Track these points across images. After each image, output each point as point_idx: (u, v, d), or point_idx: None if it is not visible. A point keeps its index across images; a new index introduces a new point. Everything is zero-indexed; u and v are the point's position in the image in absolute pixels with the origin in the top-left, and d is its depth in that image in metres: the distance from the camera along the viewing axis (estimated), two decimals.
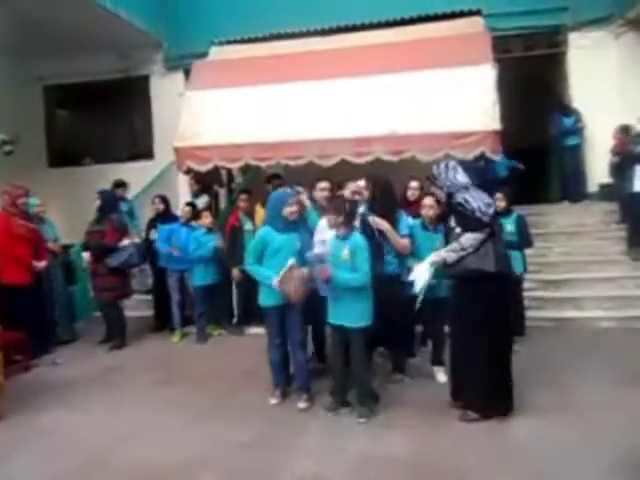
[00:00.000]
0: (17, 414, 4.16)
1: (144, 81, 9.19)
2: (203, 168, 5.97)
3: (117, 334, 6.00)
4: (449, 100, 5.45)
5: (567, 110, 7.94)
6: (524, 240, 5.27)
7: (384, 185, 4.39)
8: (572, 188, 7.99)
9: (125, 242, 5.88)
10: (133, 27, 8.28)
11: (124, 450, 3.54)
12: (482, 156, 5.40)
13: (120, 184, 7.32)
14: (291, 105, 5.85)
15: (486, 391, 3.64)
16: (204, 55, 7.84)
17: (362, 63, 5.90)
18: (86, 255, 5.92)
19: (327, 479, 3.05)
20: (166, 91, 9.01)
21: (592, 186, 7.90)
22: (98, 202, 6.00)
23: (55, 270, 5.99)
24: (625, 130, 6.93)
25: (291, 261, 3.91)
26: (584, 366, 4.61)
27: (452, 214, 3.77)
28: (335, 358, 4.00)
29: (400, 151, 5.47)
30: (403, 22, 6.59)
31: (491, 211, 3.63)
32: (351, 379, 3.94)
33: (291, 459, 3.28)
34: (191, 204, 6.67)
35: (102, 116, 9.44)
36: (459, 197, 3.63)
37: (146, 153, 9.24)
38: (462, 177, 3.68)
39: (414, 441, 3.43)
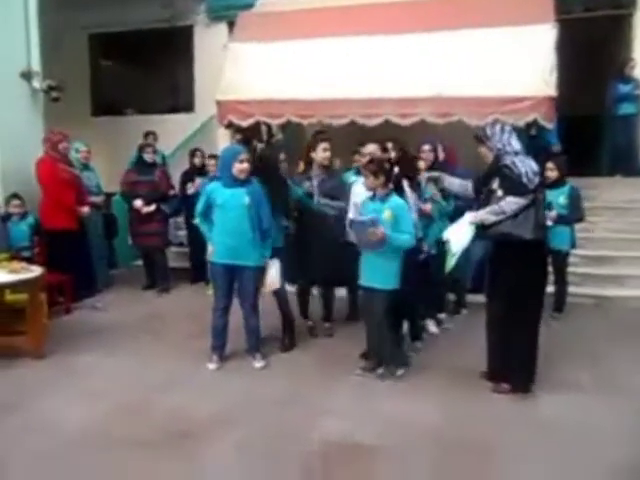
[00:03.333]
0: (56, 354, 4.32)
1: (188, 32, 9.07)
2: (244, 123, 5.92)
3: (163, 279, 6.30)
4: (503, 61, 5.21)
5: (626, 76, 7.46)
6: (576, 213, 5.06)
7: (405, 149, 4.32)
8: (625, 161, 7.59)
9: (173, 191, 6.22)
10: None
11: (156, 398, 3.62)
12: (534, 123, 5.17)
13: (149, 133, 7.36)
14: (336, 62, 5.70)
15: (516, 362, 3.59)
16: (249, 6, 7.65)
17: (413, 19, 5.67)
18: (139, 203, 6.04)
19: (356, 440, 3.08)
20: (209, 43, 8.86)
21: None
22: (152, 155, 6.22)
23: (96, 220, 6.11)
24: None
25: None
26: (621, 346, 4.50)
27: (496, 176, 3.61)
28: (368, 320, 3.99)
29: (447, 114, 5.29)
30: None
31: (537, 180, 3.51)
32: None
33: (320, 419, 3.32)
34: (217, 157, 6.63)
35: (145, 66, 9.44)
36: (507, 160, 3.50)
37: (187, 105, 9.21)
38: (516, 143, 3.55)
39: (443, 409, 3.42)
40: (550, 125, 5.26)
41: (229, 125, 6.18)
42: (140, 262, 7.04)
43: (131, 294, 6.22)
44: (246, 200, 3.95)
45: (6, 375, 4.00)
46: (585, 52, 7.98)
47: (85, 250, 5.76)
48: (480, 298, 5.46)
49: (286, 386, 3.80)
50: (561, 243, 5.05)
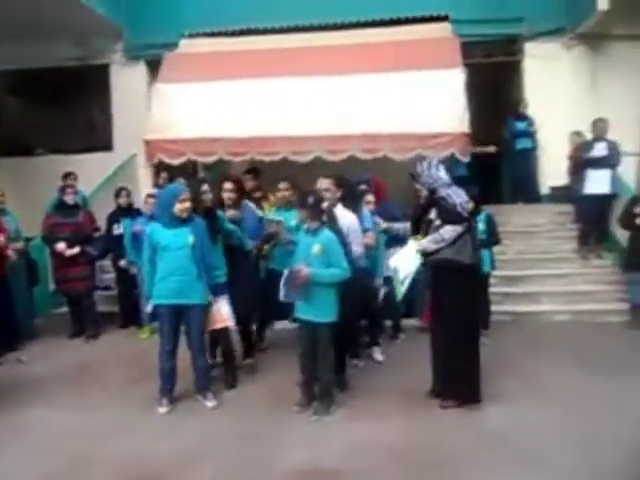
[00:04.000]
0: None
1: (103, 70, 8.88)
2: (175, 161, 5.91)
3: (92, 324, 6.02)
4: (421, 102, 5.67)
5: (520, 115, 8.35)
6: (493, 237, 5.54)
7: (348, 183, 4.53)
8: (525, 190, 8.40)
9: (98, 233, 6.05)
10: (91, 12, 7.93)
11: (110, 446, 3.48)
12: (451, 157, 5.64)
13: (69, 174, 7.10)
14: (265, 101, 5.89)
15: (457, 379, 3.84)
16: (167, 46, 7.72)
17: (336, 62, 6.03)
18: (61, 246, 5.78)
19: (324, 467, 3.14)
20: (127, 81, 8.78)
21: (544, 188, 8.36)
22: (73, 196, 6.07)
23: (18, 267, 5.72)
24: (578, 135, 7.41)
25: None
26: (544, 356, 4.92)
27: (434, 207, 3.94)
28: (304, 353, 3.97)
29: (374, 150, 5.63)
30: (374, 24, 6.76)
31: (469, 207, 3.85)
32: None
33: (284, 450, 3.35)
34: (154, 196, 6.52)
35: (57, 105, 9.05)
36: (442, 192, 3.84)
37: (104, 145, 8.95)
38: (443, 174, 3.89)
39: (399, 429, 3.57)
40: (466, 159, 5.76)
41: (159, 164, 6.13)
42: (60, 310, 6.70)
43: (57, 344, 5.84)
44: (190, 239, 3.94)
45: None
46: (485, 93, 8.81)
47: (7, 299, 5.37)
48: (413, 322, 5.85)
49: (242, 422, 3.77)
50: (484, 265, 5.47)
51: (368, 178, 5.20)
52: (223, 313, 4.17)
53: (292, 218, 4.57)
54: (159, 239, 3.95)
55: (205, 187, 4.63)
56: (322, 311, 3.81)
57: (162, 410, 3.99)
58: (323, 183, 4.22)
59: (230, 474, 3.10)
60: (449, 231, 3.75)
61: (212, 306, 4.13)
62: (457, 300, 3.79)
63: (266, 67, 6.03)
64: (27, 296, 5.95)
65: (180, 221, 3.96)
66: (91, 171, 7.84)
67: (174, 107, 5.98)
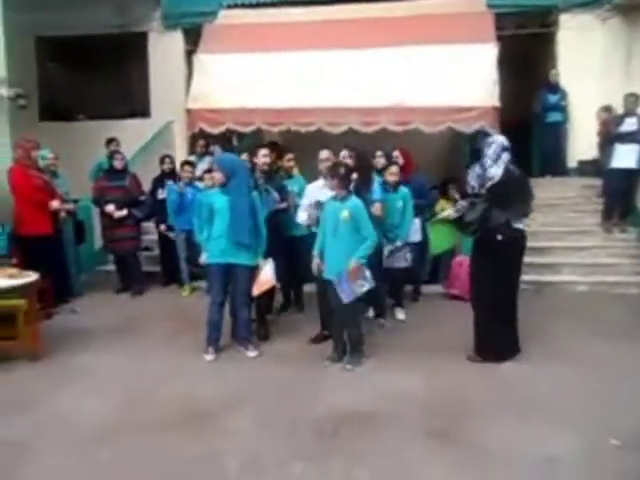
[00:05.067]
0: (50, 356, 4.43)
1: (142, 38, 9.12)
2: (215, 130, 6.20)
3: (137, 282, 6.46)
4: (453, 75, 5.82)
5: (553, 87, 8.35)
6: None
7: (363, 155, 4.79)
8: (553, 163, 8.48)
9: (143, 196, 6.41)
10: None
11: (164, 389, 3.86)
12: (480, 130, 5.81)
13: (112, 140, 7.45)
14: (302, 73, 6.09)
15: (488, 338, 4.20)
16: (205, 15, 7.92)
17: (372, 35, 6.18)
18: (111, 207, 6.19)
19: (359, 409, 3.50)
20: (164, 49, 9.00)
21: (572, 162, 8.42)
22: (121, 162, 6.40)
23: (68, 227, 6.14)
24: (607, 110, 7.43)
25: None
26: (565, 323, 5.18)
27: None
28: (330, 311, 4.33)
29: (405, 122, 5.83)
30: None
31: (488, 184, 4.05)
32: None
33: (321, 394, 3.71)
34: (191, 163, 6.82)
35: (97, 71, 9.35)
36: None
37: (142, 111, 9.26)
38: (492, 150, 4.06)
39: (423, 381, 3.89)
40: (495, 132, 5.89)
41: (200, 132, 6.42)
42: (104, 267, 7.14)
43: (105, 298, 6.31)
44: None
45: (11, 377, 4.11)
46: (516, 65, 8.81)
47: (61, 255, 5.81)
48: (434, 288, 6.16)
49: (281, 371, 4.15)
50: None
51: (388, 150, 5.42)
52: (268, 274, 4.50)
53: (294, 184, 5.31)
54: (214, 202, 4.36)
55: (243, 156, 4.97)
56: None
57: (208, 357, 4.40)
58: (323, 153, 4.61)
59: (273, 414, 3.47)
60: (460, 204, 4.26)
61: (260, 270, 4.47)
62: (480, 267, 4.19)
63: (302, 39, 6.22)
64: (74, 254, 6.36)
65: (224, 190, 4.33)
66: (129, 137, 8.13)
67: (214, 77, 6.23)
